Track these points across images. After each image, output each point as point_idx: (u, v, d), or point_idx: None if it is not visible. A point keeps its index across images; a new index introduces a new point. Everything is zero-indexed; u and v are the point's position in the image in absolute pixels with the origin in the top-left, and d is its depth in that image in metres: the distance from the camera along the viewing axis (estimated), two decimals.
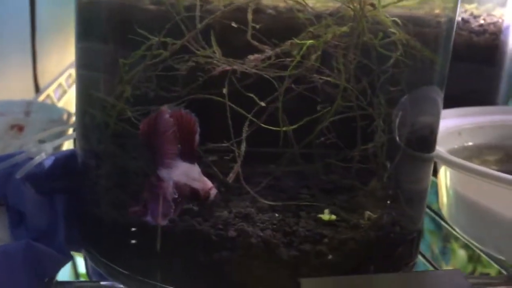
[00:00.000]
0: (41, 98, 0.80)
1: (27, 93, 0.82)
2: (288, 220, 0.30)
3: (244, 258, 0.29)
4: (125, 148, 0.31)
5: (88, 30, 0.32)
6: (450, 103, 0.48)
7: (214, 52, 0.29)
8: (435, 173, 0.46)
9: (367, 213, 0.31)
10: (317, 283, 0.27)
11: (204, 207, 0.30)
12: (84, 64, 0.32)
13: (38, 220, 0.34)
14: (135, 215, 0.30)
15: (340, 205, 0.32)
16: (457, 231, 0.44)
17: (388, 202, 0.33)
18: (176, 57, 0.28)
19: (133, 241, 0.31)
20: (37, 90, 0.85)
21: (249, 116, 0.29)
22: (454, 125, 0.50)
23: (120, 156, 0.31)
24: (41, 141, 0.44)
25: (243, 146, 0.30)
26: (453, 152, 0.48)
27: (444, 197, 0.45)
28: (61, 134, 0.47)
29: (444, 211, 0.45)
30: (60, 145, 0.45)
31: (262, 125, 0.30)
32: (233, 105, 0.29)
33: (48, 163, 0.38)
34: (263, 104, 0.29)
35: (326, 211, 0.31)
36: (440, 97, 0.36)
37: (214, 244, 0.29)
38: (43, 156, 0.39)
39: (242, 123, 0.30)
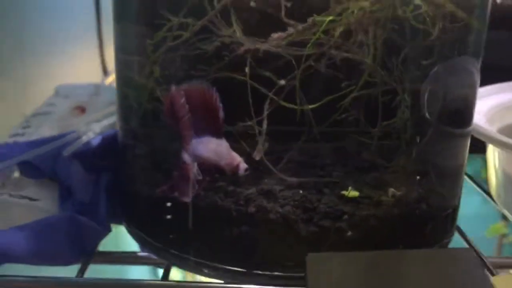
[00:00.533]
0: (109, 80, 0.84)
1: (96, 76, 0.87)
2: (310, 196, 0.31)
3: (263, 234, 0.30)
4: (157, 128, 0.33)
5: (121, 12, 0.33)
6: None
7: (234, 31, 0.29)
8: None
9: (391, 190, 0.31)
10: (322, 258, 0.27)
11: (234, 182, 0.31)
12: (120, 46, 0.34)
13: (83, 194, 0.36)
14: (163, 193, 0.31)
15: (365, 182, 0.31)
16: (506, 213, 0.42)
17: (417, 178, 0.33)
18: (198, 37, 0.29)
19: (167, 216, 0.33)
20: (105, 73, 0.90)
21: (270, 94, 0.30)
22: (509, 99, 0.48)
23: (152, 136, 0.33)
24: (98, 121, 0.48)
25: (265, 124, 0.30)
26: (507, 129, 0.45)
27: (492, 177, 0.43)
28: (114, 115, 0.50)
29: (493, 191, 0.43)
30: (112, 125, 0.48)
31: (282, 103, 0.30)
32: (255, 84, 0.30)
33: (95, 142, 0.41)
34: (282, 82, 0.29)
35: (350, 188, 0.31)
36: (475, 68, 0.34)
37: (234, 220, 0.30)
38: (91, 135, 0.42)
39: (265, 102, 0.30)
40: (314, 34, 0.30)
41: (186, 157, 0.30)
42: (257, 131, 0.30)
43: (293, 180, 0.31)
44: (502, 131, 0.42)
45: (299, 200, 0.30)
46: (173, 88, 0.30)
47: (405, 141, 0.31)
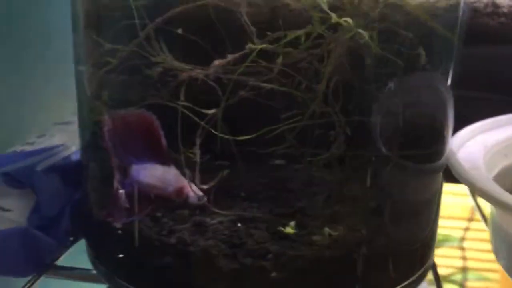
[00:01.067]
0: None
1: None
2: (241, 231, 0.29)
3: (183, 266, 0.29)
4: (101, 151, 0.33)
5: (73, 24, 0.34)
6: None
7: (164, 58, 0.29)
8: None
9: (326, 229, 0.29)
10: None
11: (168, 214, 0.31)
12: (75, 57, 0.34)
13: (50, 209, 0.37)
14: (103, 217, 0.32)
15: (300, 219, 0.30)
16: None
17: (362, 217, 0.30)
18: (126, 63, 0.29)
19: (109, 240, 0.33)
20: None
21: (202, 123, 0.29)
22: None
23: (99, 158, 0.33)
24: None
25: (198, 153, 0.30)
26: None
27: (489, 224, 0.39)
28: None
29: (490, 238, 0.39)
30: None
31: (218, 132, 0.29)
32: (186, 111, 0.29)
33: (76, 157, 0.42)
34: (211, 111, 0.29)
35: (291, 223, 0.30)
36: (443, 85, 0.31)
37: (156, 250, 0.29)
38: (73, 149, 0.43)
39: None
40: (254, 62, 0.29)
41: (115, 183, 0.30)
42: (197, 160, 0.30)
43: (217, 211, 0.30)
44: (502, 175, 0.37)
45: (227, 235, 0.29)
46: (101, 115, 0.30)
47: (345, 177, 0.29)
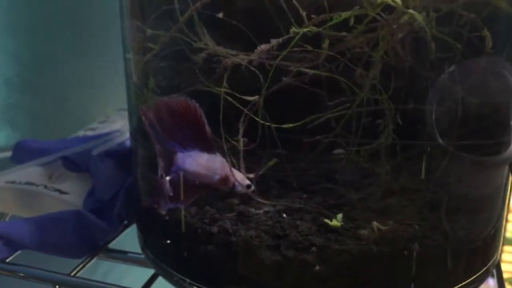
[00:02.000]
0: None
1: None
2: (286, 222, 0.28)
3: (225, 255, 0.28)
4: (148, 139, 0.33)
5: (119, 11, 0.34)
6: None
7: (206, 44, 0.28)
8: None
9: (375, 223, 0.27)
10: None
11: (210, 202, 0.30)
12: (123, 46, 0.34)
13: (103, 192, 0.38)
14: (149, 204, 0.32)
15: (348, 212, 0.28)
16: None
17: (416, 212, 0.28)
18: (169, 49, 0.29)
19: (155, 227, 0.33)
20: None
21: (245, 110, 0.28)
22: None
23: (146, 145, 0.33)
24: None
25: (241, 141, 0.29)
26: None
27: None
28: None
29: None
30: None
31: (259, 119, 0.28)
32: (228, 98, 0.28)
33: (129, 143, 0.43)
34: (252, 98, 0.28)
35: (339, 216, 0.29)
36: (508, 71, 0.28)
37: (199, 238, 0.29)
38: (127, 136, 0.44)
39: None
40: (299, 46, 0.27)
41: (160, 170, 0.30)
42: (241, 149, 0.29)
43: (262, 201, 0.29)
44: None
45: (270, 226, 0.28)
46: (147, 102, 0.30)
47: (385, 168, 0.27)
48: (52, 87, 0.58)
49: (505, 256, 1.32)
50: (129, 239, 0.39)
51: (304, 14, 0.26)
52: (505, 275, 0.34)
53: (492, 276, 0.33)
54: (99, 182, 0.39)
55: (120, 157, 0.41)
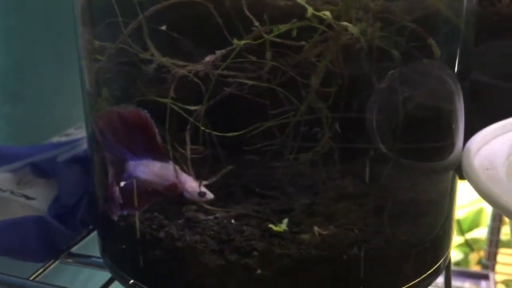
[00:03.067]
0: None
1: None
2: (233, 227, 0.29)
3: (172, 260, 0.29)
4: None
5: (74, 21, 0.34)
6: None
7: (152, 55, 0.29)
8: None
9: (316, 228, 0.28)
10: None
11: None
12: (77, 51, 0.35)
13: (68, 198, 0.39)
14: (104, 209, 0.33)
15: (295, 217, 0.29)
16: None
17: (357, 216, 0.29)
18: (116, 60, 0.29)
19: (109, 232, 0.34)
20: None
21: (190, 119, 0.29)
22: None
23: (101, 152, 0.34)
24: None
25: (188, 149, 0.30)
26: None
27: None
28: None
29: None
30: None
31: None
32: (176, 108, 0.29)
33: None
34: (195, 108, 0.29)
35: (285, 221, 0.29)
36: (450, 76, 0.29)
37: (149, 243, 0.30)
38: None
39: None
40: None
41: (110, 178, 0.31)
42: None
43: (213, 209, 0.30)
44: None
45: (216, 231, 0.29)
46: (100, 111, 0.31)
47: (338, 175, 0.28)
48: (30, 94, 0.59)
49: (501, 258, 1.32)
50: (95, 244, 0.40)
51: (241, 27, 0.27)
52: (502, 277, 0.35)
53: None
54: (64, 187, 0.40)
55: (86, 162, 0.42)
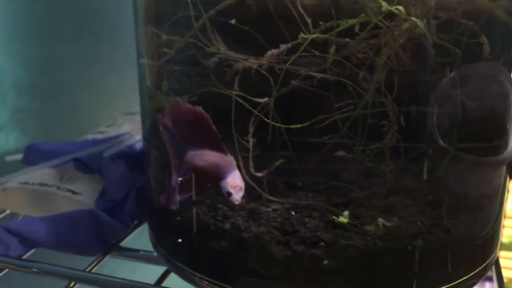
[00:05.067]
0: None
1: None
2: (295, 219, 0.30)
3: (238, 251, 0.29)
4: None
5: (134, 17, 0.35)
6: None
7: (218, 48, 0.30)
8: None
9: (380, 220, 0.29)
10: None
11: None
12: (136, 51, 0.36)
13: (115, 193, 0.40)
14: (162, 201, 0.33)
15: (355, 209, 0.30)
16: None
17: (420, 209, 0.30)
18: (183, 54, 0.30)
19: (167, 224, 0.34)
20: None
21: (255, 111, 0.30)
22: None
23: (159, 146, 0.35)
24: None
25: (251, 142, 0.30)
26: None
27: None
28: None
29: None
30: None
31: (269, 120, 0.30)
32: (239, 100, 0.30)
33: (140, 145, 0.44)
34: (262, 100, 0.29)
35: (345, 213, 0.30)
36: (506, 76, 0.30)
37: (213, 234, 0.30)
38: (137, 138, 0.45)
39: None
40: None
41: (171, 168, 0.31)
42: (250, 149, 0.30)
43: (279, 201, 0.30)
44: None
45: (280, 222, 0.30)
46: (160, 103, 0.31)
47: (390, 167, 0.29)
48: (60, 92, 0.59)
49: (501, 262, 1.33)
50: (137, 238, 0.40)
51: (310, 20, 0.28)
52: None
53: (491, 272, 0.34)
54: (111, 183, 0.40)
55: (131, 158, 0.43)
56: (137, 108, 0.61)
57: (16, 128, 0.54)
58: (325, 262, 0.28)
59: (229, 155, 0.31)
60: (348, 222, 0.29)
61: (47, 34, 0.57)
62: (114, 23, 0.66)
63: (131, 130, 0.52)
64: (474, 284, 0.33)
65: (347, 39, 0.28)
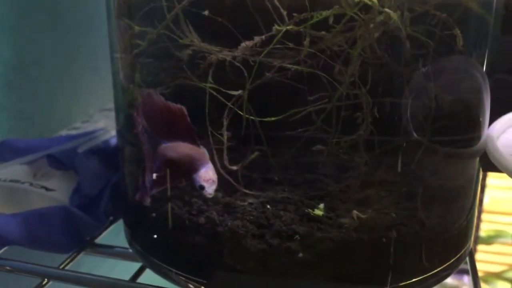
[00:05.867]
0: None
1: None
2: (270, 213, 0.30)
3: (213, 245, 0.29)
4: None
5: (107, 10, 0.34)
6: None
7: (192, 40, 0.29)
8: None
9: (355, 212, 0.29)
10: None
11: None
12: (109, 44, 0.35)
13: (89, 189, 0.39)
14: (137, 197, 0.33)
15: (331, 202, 0.30)
16: None
17: (393, 201, 0.30)
18: (155, 46, 0.30)
19: (141, 220, 0.34)
20: None
21: (229, 104, 0.29)
22: None
23: (133, 141, 0.34)
24: None
25: (225, 135, 0.30)
26: None
27: None
28: None
29: None
30: None
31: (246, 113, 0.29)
32: (213, 92, 0.29)
33: (115, 140, 0.44)
34: (236, 93, 0.29)
35: (321, 206, 0.30)
36: (478, 70, 0.30)
37: (188, 229, 0.30)
38: (112, 133, 0.44)
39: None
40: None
41: (145, 162, 0.31)
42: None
43: (254, 194, 0.30)
44: None
45: (255, 216, 0.29)
46: (133, 96, 0.31)
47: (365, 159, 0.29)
48: (37, 89, 0.58)
49: (479, 256, 1.36)
50: (111, 235, 0.40)
51: (285, 13, 0.27)
52: (479, 274, 0.36)
53: (465, 263, 0.35)
54: (85, 179, 0.40)
55: (105, 154, 0.42)
56: (112, 104, 0.60)
57: None
58: (300, 254, 0.28)
59: (202, 147, 0.30)
60: (323, 214, 0.29)
61: (21, 29, 0.56)
62: (91, 20, 0.65)
63: (106, 126, 0.51)
64: (449, 275, 0.33)
65: (322, 32, 0.28)
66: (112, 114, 0.55)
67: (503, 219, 1.37)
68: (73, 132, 0.52)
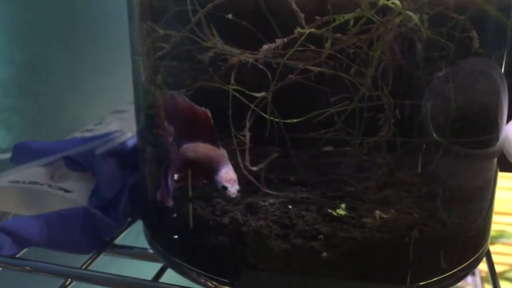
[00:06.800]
0: None
1: None
2: (293, 213, 0.30)
3: (237, 245, 0.30)
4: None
5: (129, 12, 0.35)
6: None
7: (215, 43, 0.30)
8: None
9: (377, 212, 0.29)
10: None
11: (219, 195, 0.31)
12: (131, 47, 0.36)
13: (107, 190, 0.39)
14: (159, 198, 0.33)
15: (351, 202, 0.30)
16: None
17: (415, 201, 0.30)
18: (179, 49, 0.30)
19: (162, 220, 0.34)
20: None
21: (252, 106, 0.30)
22: None
23: (154, 141, 0.35)
24: None
25: (247, 136, 0.30)
26: None
27: None
28: None
29: None
30: None
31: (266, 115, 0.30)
32: (236, 94, 0.30)
33: (131, 142, 0.44)
34: (260, 95, 0.29)
35: (342, 206, 0.30)
36: (497, 72, 0.31)
37: (211, 229, 0.30)
38: (128, 135, 0.45)
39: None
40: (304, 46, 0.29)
41: (167, 163, 0.31)
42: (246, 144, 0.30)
43: (277, 194, 0.30)
44: None
45: (278, 216, 0.30)
46: (154, 98, 0.31)
47: (386, 160, 0.29)
48: (46, 90, 0.58)
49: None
50: (130, 235, 0.40)
51: (302, 16, 0.28)
52: (482, 275, 0.36)
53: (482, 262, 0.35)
54: (103, 180, 0.40)
55: (123, 156, 0.42)
56: (124, 106, 0.61)
57: (2, 127, 0.53)
58: (324, 254, 0.29)
59: (221, 148, 0.31)
60: (345, 214, 0.30)
61: (34, 32, 0.57)
62: (100, 22, 0.65)
63: (120, 128, 0.52)
64: (467, 275, 0.33)
65: (340, 35, 0.29)
66: (125, 115, 0.55)
67: (506, 220, 1.37)
68: (87, 134, 0.52)
